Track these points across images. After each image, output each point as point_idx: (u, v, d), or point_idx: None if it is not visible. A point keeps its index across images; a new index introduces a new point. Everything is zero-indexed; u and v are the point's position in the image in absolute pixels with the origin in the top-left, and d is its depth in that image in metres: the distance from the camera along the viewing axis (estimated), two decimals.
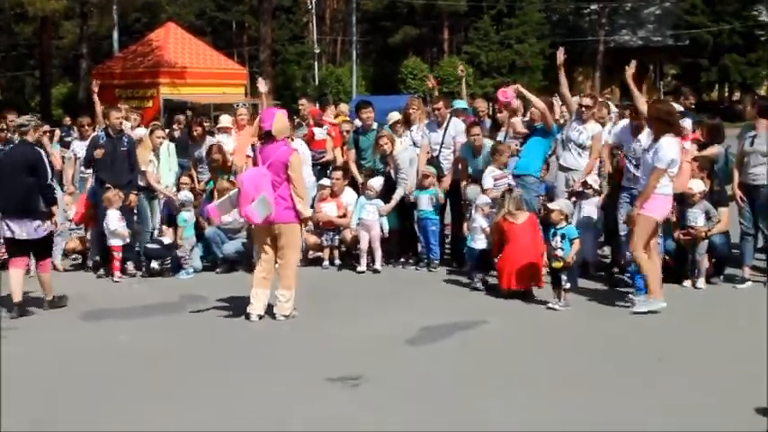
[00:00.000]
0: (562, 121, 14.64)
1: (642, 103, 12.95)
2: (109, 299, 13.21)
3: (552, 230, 11.99)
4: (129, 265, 14.84)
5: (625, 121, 13.44)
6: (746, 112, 13.28)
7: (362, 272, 14.70)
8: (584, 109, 13.92)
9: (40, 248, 12.55)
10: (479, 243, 13.37)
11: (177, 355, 10.17)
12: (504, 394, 8.47)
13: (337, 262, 15.24)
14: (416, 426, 7.68)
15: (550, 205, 12.49)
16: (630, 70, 14.01)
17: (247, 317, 11.40)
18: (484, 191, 13.46)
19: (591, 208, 13.42)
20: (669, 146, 11.30)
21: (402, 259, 15.22)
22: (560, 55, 14.77)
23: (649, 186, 11.31)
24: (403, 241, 15.39)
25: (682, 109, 14.42)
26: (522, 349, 10.17)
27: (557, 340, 10.50)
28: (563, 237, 11.89)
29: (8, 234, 12.32)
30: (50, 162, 12.86)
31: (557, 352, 10.00)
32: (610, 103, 16.30)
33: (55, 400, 8.56)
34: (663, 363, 9.36)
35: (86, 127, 16.61)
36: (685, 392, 8.40)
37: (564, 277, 11.82)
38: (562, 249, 11.80)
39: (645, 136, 11.96)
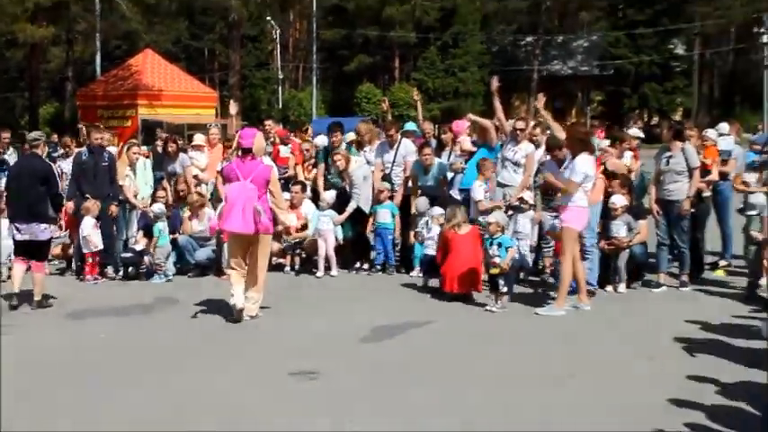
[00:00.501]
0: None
1: (559, 130, 13.19)
2: (90, 300, 13.14)
3: (489, 240, 12.02)
4: (109, 270, 14.78)
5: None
6: (663, 135, 13.37)
7: (320, 277, 14.67)
8: (518, 131, 13.98)
9: (39, 251, 12.66)
10: (432, 250, 13.49)
11: (150, 350, 10.12)
12: (444, 385, 8.51)
13: (297, 267, 15.18)
14: (367, 413, 7.67)
15: (488, 218, 12.51)
16: (541, 102, 14.30)
17: (233, 312, 11.26)
18: (477, 202, 13.41)
19: (525, 220, 13.52)
20: (584, 162, 11.50)
21: (357, 265, 15.20)
22: (494, 83, 15.07)
23: (562, 188, 11.68)
24: (357, 249, 15.39)
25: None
26: (462, 346, 10.21)
27: (492, 338, 10.51)
28: (499, 245, 11.93)
29: (19, 236, 12.61)
30: (60, 173, 13.04)
31: (492, 348, 10.01)
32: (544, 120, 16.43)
33: (44, 388, 8.51)
34: (569, 350, 9.43)
35: (70, 146, 16.65)
36: (599, 384, 8.47)
37: (501, 282, 11.85)
38: (499, 257, 11.83)
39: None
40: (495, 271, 11.88)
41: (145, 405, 8.12)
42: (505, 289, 11.94)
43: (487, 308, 11.90)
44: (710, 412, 7.53)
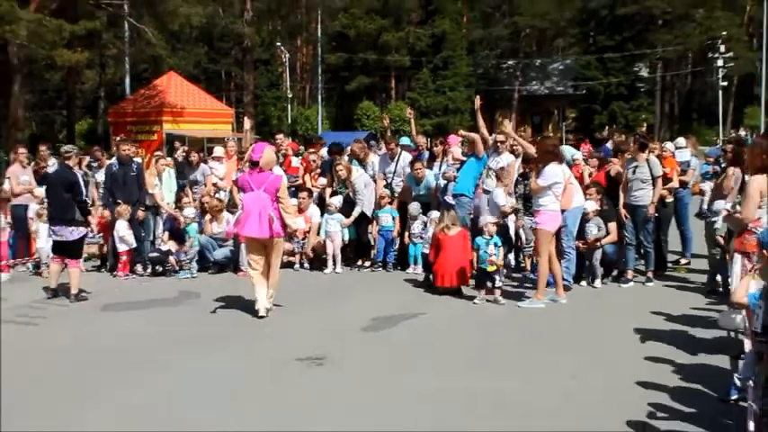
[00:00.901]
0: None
1: (529, 147, 13.24)
2: (122, 294, 13.16)
3: (486, 241, 12.06)
4: (138, 267, 14.81)
5: None
6: (630, 147, 13.40)
7: (327, 273, 14.70)
8: (498, 143, 14.15)
9: (73, 250, 12.82)
10: (427, 249, 13.66)
11: (173, 339, 10.14)
12: (437, 368, 8.53)
13: (306, 265, 15.21)
14: (368, 394, 7.70)
15: (486, 220, 12.52)
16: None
17: (257, 312, 11.16)
18: (500, 207, 13.37)
19: (508, 223, 13.56)
20: (552, 170, 11.67)
21: (358, 263, 15.24)
22: (477, 102, 15.11)
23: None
24: (359, 249, 15.43)
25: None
26: (452, 334, 10.24)
27: (479, 327, 10.55)
28: (495, 245, 12.01)
29: (55, 238, 12.88)
30: (86, 182, 13.07)
31: (478, 336, 10.05)
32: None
33: (79, 372, 8.53)
34: (550, 336, 9.47)
35: (101, 158, 16.80)
36: (572, 366, 8.48)
37: (497, 277, 11.97)
38: (495, 255, 11.93)
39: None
40: (492, 268, 11.93)
41: (167, 387, 8.15)
42: (500, 283, 12.04)
43: (475, 300, 11.93)
44: (672, 393, 7.58)
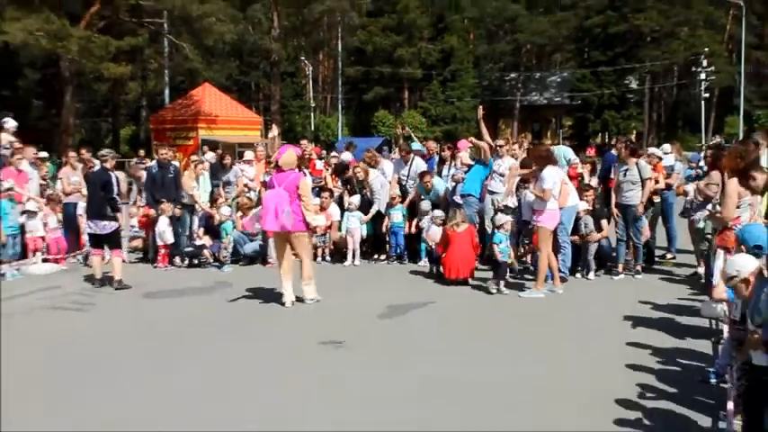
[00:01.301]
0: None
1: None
2: (162, 283, 13.21)
3: (506, 236, 12.10)
4: (176, 260, 14.86)
5: None
6: (621, 153, 13.36)
7: (347, 265, 14.72)
8: (499, 148, 14.28)
9: (111, 241, 13.02)
10: (431, 243, 13.71)
11: (208, 324, 10.21)
12: (446, 349, 8.54)
13: (328, 258, 15.25)
14: (384, 374, 7.72)
15: (503, 219, 12.46)
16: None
17: (283, 304, 11.11)
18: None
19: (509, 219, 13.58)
20: (549, 174, 11.67)
21: (375, 256, 15.26)
22: (479, 111, 15.47)
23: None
24: (375, 244, 15.45)
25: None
26: (459, 320, 10.25)
27: (484, 315, 10.57)
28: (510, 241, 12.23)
29: (89, 230, 13.09)
30: (119, 181, 13.33)
31: (483, 322, 10.06)
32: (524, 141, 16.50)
33: (122, 354, 8.59)
34: (550, 323, 9.48)
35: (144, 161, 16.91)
36: (569, 348, 8.51)
37: (509, 269, 12.18)
38: (509, 248, 12.06)
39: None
40: (511, 260, 12.31)
41: (202, 367, 8.20)
42: (508, 275, 12.17)
43: (491, 289, 11.89)
44: (657, 374, 7.61)
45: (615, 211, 13.08)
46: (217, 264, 14.54)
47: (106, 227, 12.87)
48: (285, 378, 7.73)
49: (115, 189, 13.07)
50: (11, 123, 16.91)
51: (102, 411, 6.79)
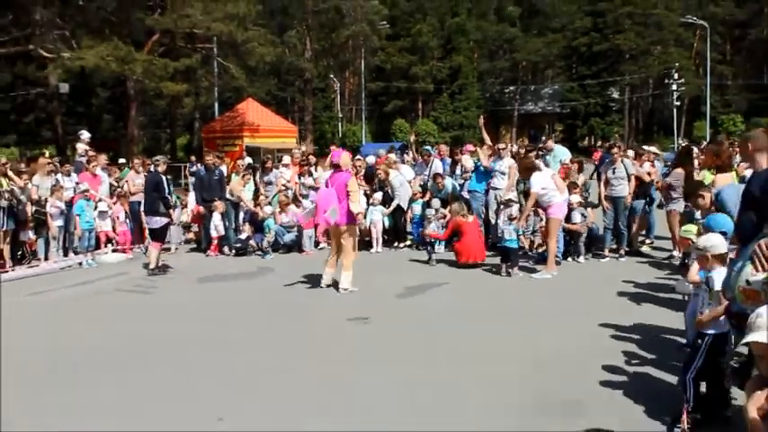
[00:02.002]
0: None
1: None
2: (213, 269, 13.24)
3: (522, 230, 12.20)
4: (225, 249, 14.86)
5: None
6: (614, 153, 13.27)
7: (371, 252, 14.71)
8: (500, 150, 14.30)
9: (157, 234, 13.12)
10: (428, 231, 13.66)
11: (254, 304, 10.21)
12: (460, 327, 8.49)
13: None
14: (404, 347, 7.69)
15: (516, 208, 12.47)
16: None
17: (320, 286, 10.96)
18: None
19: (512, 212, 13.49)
20: (536, 179, 11.67)
21: (395, 245, 15.22)
22: (481, 120, 16.15)
23: (529, 203, 11.86)
24: (396, 234, 15.41)
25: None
26: (472, 299, 10.17)
27: (493, 293, 10.50)
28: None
29: (147, 225, 13.41)
30: (169, 183, 13.60)
31: (493, 299, 9.99)
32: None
33: (179, 329, 8.62)
34: (549, 299, 9.40)
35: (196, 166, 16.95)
36: (569, 320, 8.43)
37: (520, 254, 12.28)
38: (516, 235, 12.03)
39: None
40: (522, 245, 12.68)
41: (249, 339, 8.21)
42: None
43: (502, 273, 11.75)
44: (639, 342, 7.56)
45: (606, 203, 13.01)
46: (260, 253, 14.56)
47: (157, 222, 12.99)
48: (318, 350, 7.70)
49: (166, 189, 13.21)
50: (85, 135, 17.02)
51: (163, 379, 6.80)
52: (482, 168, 14.25)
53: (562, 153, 14.97)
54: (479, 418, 5.66)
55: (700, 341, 5.25)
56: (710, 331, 5.21)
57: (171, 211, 13.57)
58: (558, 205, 11.67)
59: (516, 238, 11.96)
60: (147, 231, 14.55)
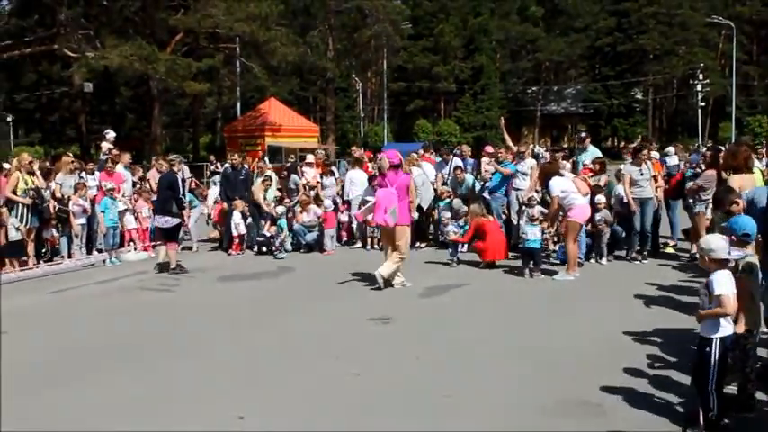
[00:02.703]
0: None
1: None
2: (235, 268, 13.28)
3: (537, 227, 11.91)
4: (247, 248, 14.92)
5: None
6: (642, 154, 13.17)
7: None
8: (521, 152, 14.37)
9: (170, 234, 13.03)
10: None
11: (275, 303, 10.24)
12: (480, 328, 8.47)
13: (378, 246, 15.21)
14: (424, 345, 7.68)
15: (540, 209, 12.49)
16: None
17: (376, 281, 10.81)
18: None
19: (534, 212, 13.44)
20: (555, 183, 11.60)
21: (416, 244, 15.15)
22: (501, 121, 16.23)
23: (552, 208, 11.80)
24: (418, 233, 15.35)
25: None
26: (490, 299, 10.14)
27: (509, 295, 10.46)
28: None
29: (156, 224, 13.34)
30: (184, 182, 13.85)
31: (513, 302, 9.96)
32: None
33: (205, 325, 8.66)
34: (570, 301, 9.36)
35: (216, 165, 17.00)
36: (590, 320, 8.39)
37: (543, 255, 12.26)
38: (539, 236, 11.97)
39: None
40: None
41: (271, 338, 8.23)
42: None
43: (525, 275, 11.64)
44: (661, 345, 7.52)
45: (634, 206, 12.81)
46: (280, 251, 14.59)
47: (169, 221, 12.92)
48: (339, 350, 7.71)
49: (181, 189, 13.34)
50: (111, 134, 17.14)
51: (183, 377, 6.84)
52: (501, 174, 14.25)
53: (594, 153, 14.81)
54: (497, 419, 5.65)
55: (708, 349, 5.15)
56: (716, 335, 5.13)
57: (184, 211, 13.65)
58: (579, 208, 11.57)
59: (540, 238, 11.91)
60: (149, 231, 14.76)
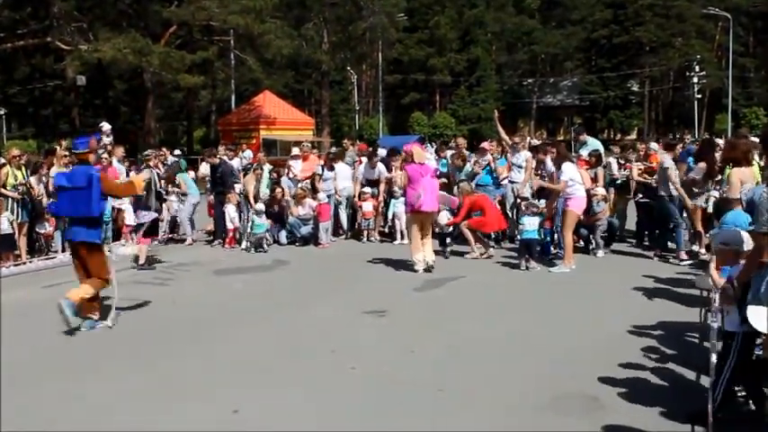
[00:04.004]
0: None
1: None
2: (230, 262, 13.23)
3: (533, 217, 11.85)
4: (244, 242, 14.85)
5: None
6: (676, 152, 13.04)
7: (396, 244, 14.63)
8: (515, 144, 14.40)
9: (147, 229, 12.86)
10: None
11: (270, 297, 10.21)
12: (476, 323, 8.44)
13: (376, 238, 15.31)
14: (419, 339, 7.65)
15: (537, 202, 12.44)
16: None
17: (416, 269, 11.54)
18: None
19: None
20: (567, 168, 11.55)
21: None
22: (495, 114, 16.93)
23: (557, 188, 11.72)
24: None
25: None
26: (483, 292, 10.15)
27: (502, 286, 10.45)
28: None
29: (138, 220, 13.07)
30: (159, 177, 13.70)
31: (509, 295, 9.95)
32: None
33: (194, 321, 8.61)
34: (567, 294, 9.34)
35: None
36: (588, 313, 8.38)
37: (538, 248, 12.12)
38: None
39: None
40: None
41: (269, 331, 8.20)
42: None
43: (522, 267, 11.58)
44: (659, 338, 7.51)
45: (689, 201, 11.91)
46: (277, 243, 14.55)
47: (146, 216, 12.80)
48: (335, 342, 7.68)
49: (158, 184, 13.20)
50: (106, 127, 16.99)
51: (178, 371, 6.81)
52: (494, 171, 14.23)
53: (594, 145, 14.72)
54: (496, 416, 5.62)
55: (729, 341, 5.11)
56: (739, 329, 5.05)
57: (163, 205, 13.67)
58: (578, 199, 11.54)
59: (537, 230, 11.85)
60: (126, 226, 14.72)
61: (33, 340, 8.03)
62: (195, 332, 8.24)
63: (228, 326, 8.53)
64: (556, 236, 12.63)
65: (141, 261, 12.58)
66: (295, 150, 17.63)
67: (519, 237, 12.17)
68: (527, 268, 11.55)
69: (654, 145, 15.13)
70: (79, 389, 6.36)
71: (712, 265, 5.82)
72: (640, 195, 13.49)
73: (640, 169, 13.77)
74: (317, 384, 6.35)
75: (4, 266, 12.38)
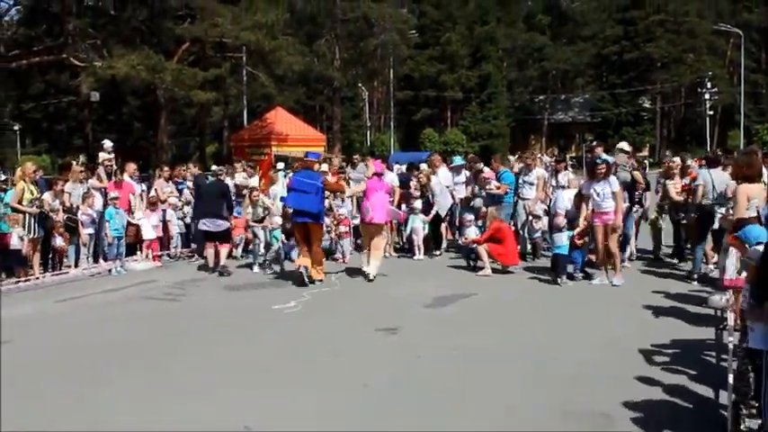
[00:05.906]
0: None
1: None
2: (241, 278, 13.29)
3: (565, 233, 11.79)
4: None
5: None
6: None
7: (415, 259, 14.81)
8: (528, 162, 14.46)
9: (222, 237, 13.97)
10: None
11: (282, 312, 10.18)
12: (486, 337, 8.44)
13: (392, 253, 15.34)
14: (431, 357, 7.67)
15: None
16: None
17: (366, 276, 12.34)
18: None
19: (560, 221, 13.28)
20: (614, 179, 11.56)
21: (433, 251, 15.18)
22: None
23: (619, 205, 11.44)
24: (434, 240, 15.38)
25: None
26: (495, 311, 10.14)
27: (517, 303, 10.45)
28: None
29: (205, 228, 13.92)
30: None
31: (518, 311, 9.96)
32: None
33: (211, 334, 8.66)
34: (580, 316, 9.33)
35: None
36: (601, 325, 8.38)
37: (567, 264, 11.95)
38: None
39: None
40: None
41: (273, 350, 8.23)
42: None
43: (559, 282, 11.52)
44: (671, 356, 7.50)
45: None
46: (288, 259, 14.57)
47: (221, 225, 13.75)
48: (346, 359, 7.71)
49: (232, 196, 14.43)
50: (107, 144, 17.18)
51: (190, 386, 6.85)
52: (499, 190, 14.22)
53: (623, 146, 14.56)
54: (506, 428, 5.64)
55: (758, 361, 4.92)
56: (766, 347, 4.87)
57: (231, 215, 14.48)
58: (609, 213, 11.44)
59: (567, 245, 11.77)
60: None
61: (36, 344, 8.10)
62: (203, 347, 8.28)
63: (237, 341, 8.56)
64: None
65: (222, 263, 13.61)
66: (324, 167, 17.63)
67: (550, 253, 12.20)
68: (558, 283, 11.49)
69: (691, 162, 14.97)
70: (79, 389, 6.40)
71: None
72: (682, 215, 12.98)
73: (678, 187, 13.26)
74: (329, 403, 6.38)
75: (13, 281, 12.46)
